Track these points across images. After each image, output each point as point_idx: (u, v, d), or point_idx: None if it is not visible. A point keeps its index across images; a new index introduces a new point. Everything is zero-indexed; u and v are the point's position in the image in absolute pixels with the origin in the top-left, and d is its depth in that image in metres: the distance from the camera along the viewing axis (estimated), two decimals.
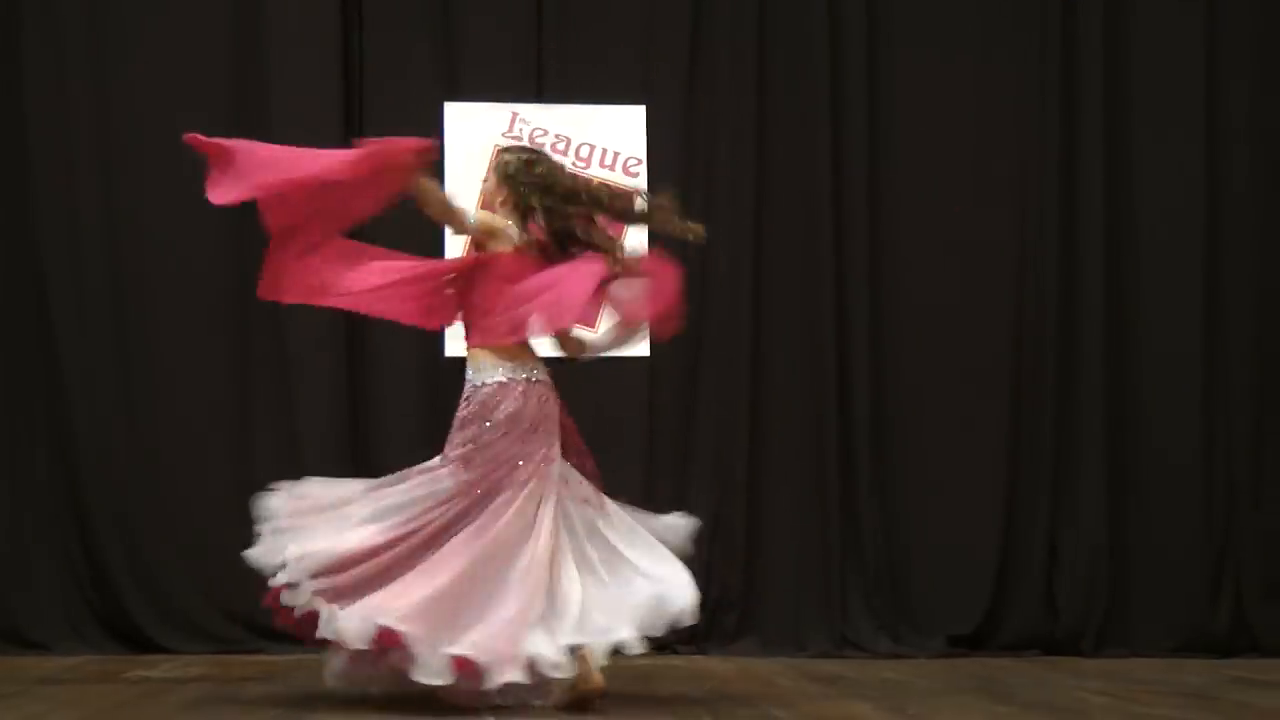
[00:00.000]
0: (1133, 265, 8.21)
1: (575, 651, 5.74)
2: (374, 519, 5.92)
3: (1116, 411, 8.14)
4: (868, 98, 8.20)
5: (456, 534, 5.88)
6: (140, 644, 7.65)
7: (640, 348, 7.91)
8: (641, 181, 8.04)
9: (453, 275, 6.22)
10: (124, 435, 7.85)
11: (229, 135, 7.65)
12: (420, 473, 6.05)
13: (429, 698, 5.86)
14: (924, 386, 8.10)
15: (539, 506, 5.95)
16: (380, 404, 7.94)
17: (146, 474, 7.84)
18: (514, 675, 5.64)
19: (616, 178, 8.05)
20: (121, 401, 7.87)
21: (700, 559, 7.77)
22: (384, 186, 6.04)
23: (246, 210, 7.82)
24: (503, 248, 6.10)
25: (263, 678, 6.81)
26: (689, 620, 5.97)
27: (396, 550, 5.85)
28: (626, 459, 7.93)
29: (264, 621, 7.60)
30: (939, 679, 7.02)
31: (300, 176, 5.95)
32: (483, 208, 6.50)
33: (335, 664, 5.91)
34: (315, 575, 5.76)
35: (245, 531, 7.61)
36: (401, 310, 6.17)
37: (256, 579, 7.37)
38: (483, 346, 6.11)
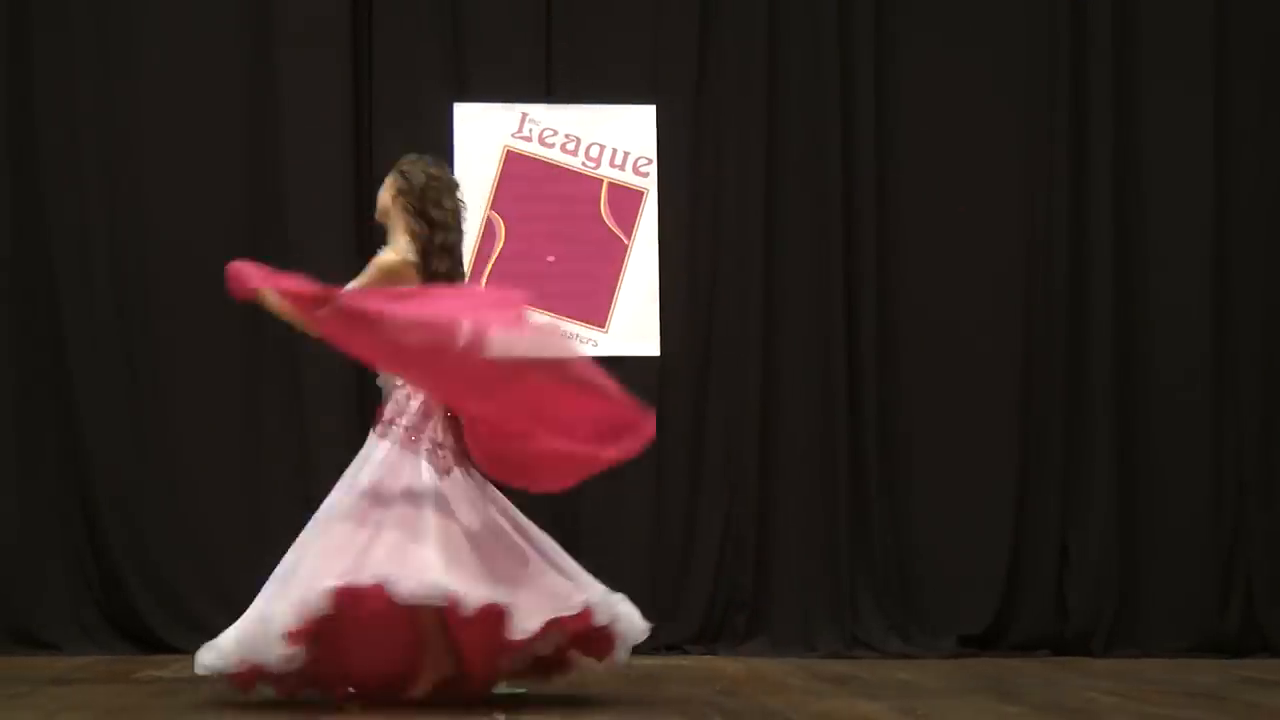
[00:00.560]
0: (1141, 264, 8.22)
1: None
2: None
3: (1126, 412, 8.16)
4: (877, 97, 8.21)
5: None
6: (150, 644, 7.70)
7: (650, 347, 7.99)
8: (651, 181, 8.08)
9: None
10: (133, 436, 7.90)
11: (237, 136, 7.82)
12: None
13: (437, 697, 5.89)
14: (934, 387, 8.13)
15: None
16: None
17: (156, 475, 7.89)
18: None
19: (627, 177, 8.10)
20: (131, 402, 7.92)
21: (711, 559, 7.91)
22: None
23: (256, 209, 7.96)
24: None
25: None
26: None
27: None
28: (635, 460, 7.81)
29: None
30: (949, 679, 7.04)
31: None
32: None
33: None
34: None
35: (255, 532, 7.72)
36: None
37: (267, 578, 7.41)
38: None
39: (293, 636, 5.62)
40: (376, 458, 5.99)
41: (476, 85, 8.06)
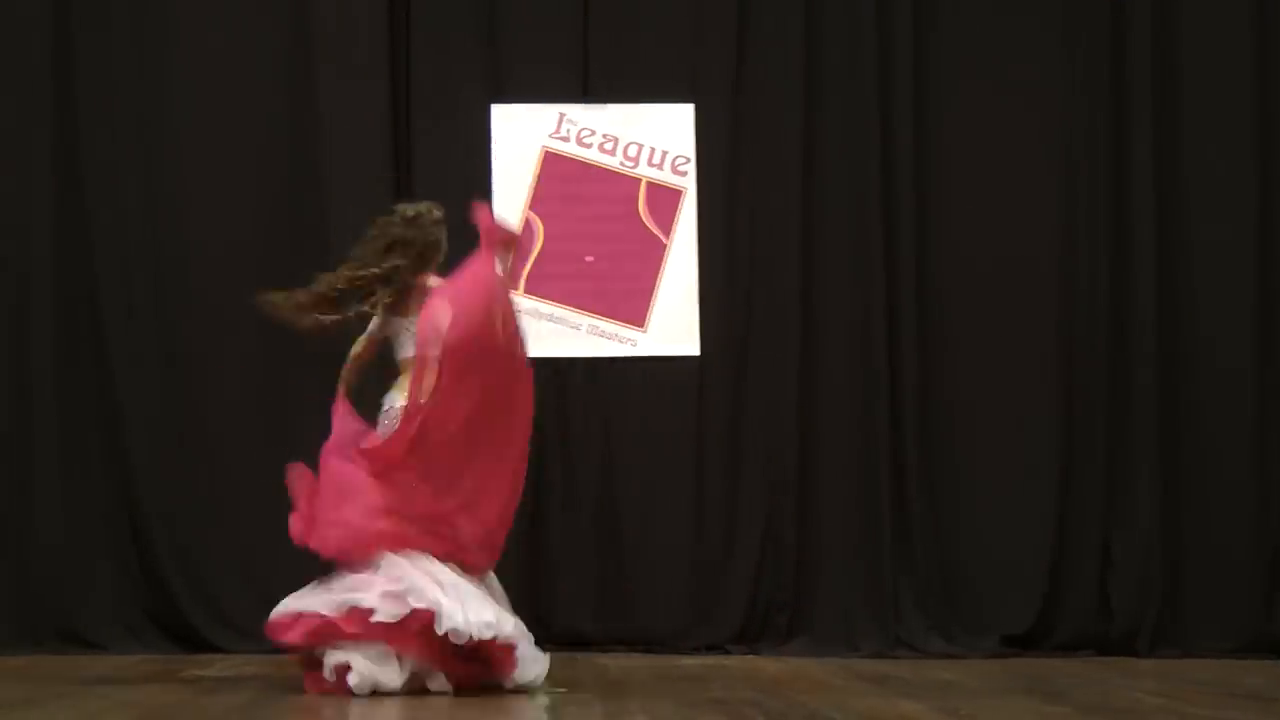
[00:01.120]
0: (1185, 263, 8.21)
1: None
2: None
3: (1170, 409, 8.15)
4: (915, 94, 8.23)
5: None
6: (195, 643, 7.79)
7: (689, 347, 8.02)
8: (690, 180, 8.12)
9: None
10: (176, 436, 7.99)
11: (276, 138, 7.86)
12: None
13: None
14: (975, 385, 8.14)
15: None
16: None
17: (199, 476, 7.98)
18: None
19: (665, 176, 8.14)
20: (174, 404, 8.00)
21: (752, 559, 7.96)
22: None
23: (296, 211, 8.02)
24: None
25: None
26: None
27: None
28: (676, 460, 8.07)
29: None
30: (992, 679, 7.06)
31: None
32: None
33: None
34: None
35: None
36: None
37: (311, 578, 7.49)
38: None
39: None
40: None
41: (514, 86, 8.12)
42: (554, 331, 8.05)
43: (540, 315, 8.03)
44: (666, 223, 8.12)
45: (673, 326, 8.06)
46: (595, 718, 5.79)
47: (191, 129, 8.09)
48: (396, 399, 6.46)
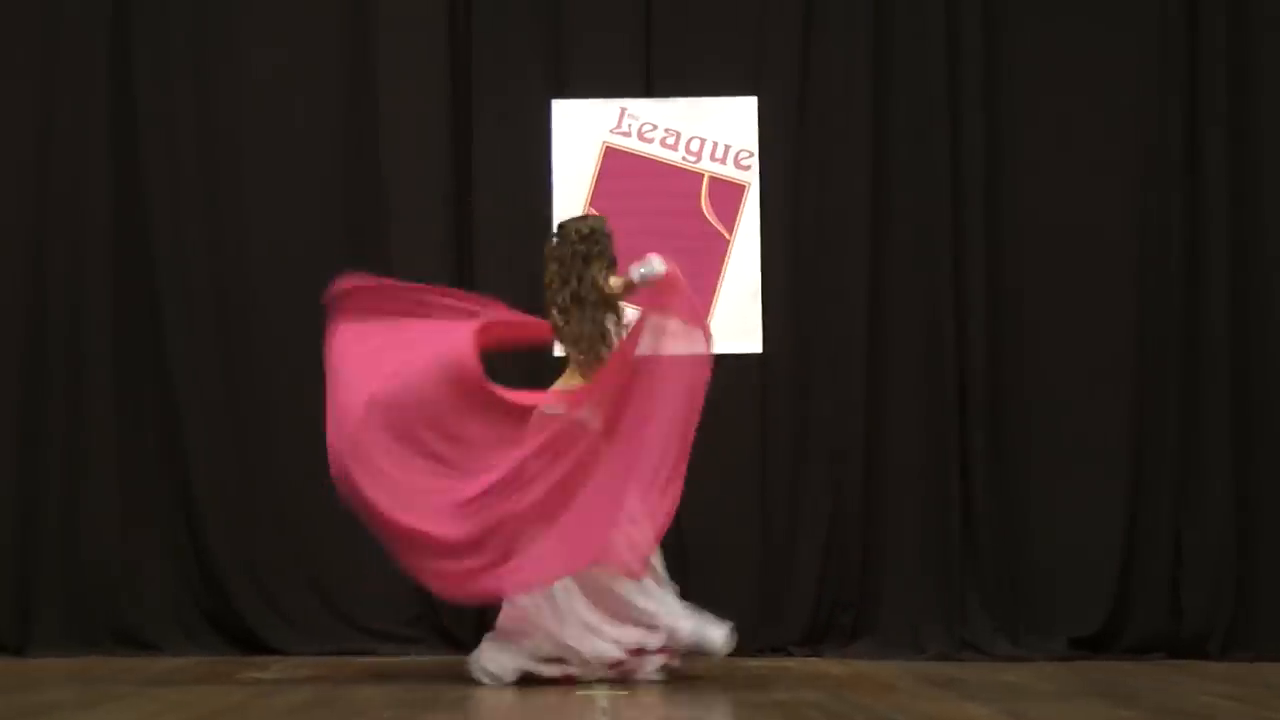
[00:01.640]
0: (1258, 258, 8.12)
1: None
2: None
3: (1243, 406, 8.07)
4: (985, 89, 8.18)
5: None
6: (251, 645, 7.85)
7: (752, 344, 8.02)
8: (753, 175, 8.10)
9: None
10: (233, 434, 8.06)
11: (335, 135, 7.91)
12: None
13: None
14: (1046, 384, 8.08)
15: None
16: None
17: (256, 474, 8.05)
18: None
19: (728, 171, 8.12)
20: (231, 401, 8.08)
21: (816, 560, 7.96)
22: None
23: (355, 209, 8.06)
24: None
25: (374, 679, 6.94)
26: None
27: None
28: (739, 459, 8.04)
29: (374, 622, 7.82)
30: (1059, 682, 7.02)
31: None
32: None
33: None
34: None
35: (354, 533, 7.83)
36: None
37: (366, 580, 7.53)
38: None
39: None
40: None
41: (574, 81, 8.13)
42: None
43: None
44: (729, 218, 8.10)
45: (735, 324, 8.00)
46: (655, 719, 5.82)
47: (250, 127, 8.17)
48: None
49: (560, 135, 8.07)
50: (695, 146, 8.11)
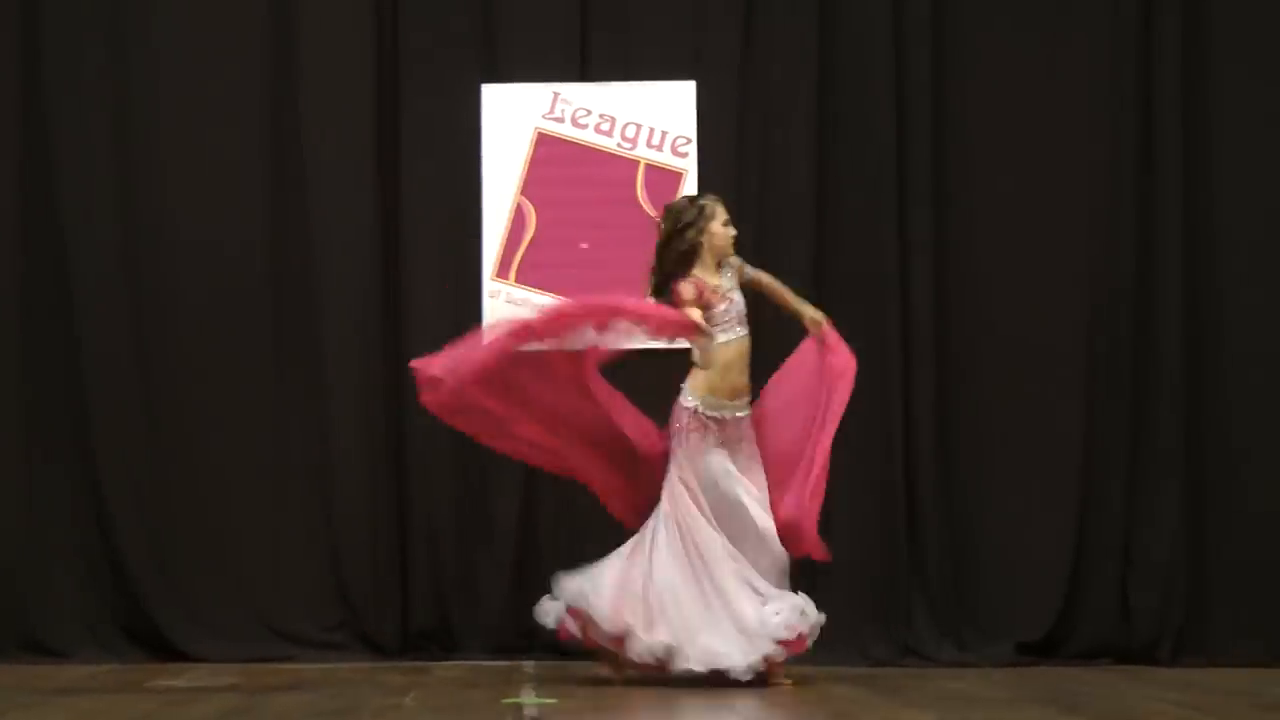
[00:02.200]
0: (1210, 261, 8.13)
1: None
2: None
3: (1195, 407, 8.09)
4: (933, 72, 8.15)
5: None
6: (164, 651, 7.77)
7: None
8: (691, 162, 8.06)
9: None
10: (147, 434, 7.98)
11: (256, 120, 7.81)
12: None
13: None
14: (993, 385, 8.08)
15: None
16: (417, 402, 7.78)
17: (171, 474, 7.97)
18: None
19: (665, 158, 8.08)
20: (144, 399, 8.00)
21: None
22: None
23: (276, 197, 7.97)
24: None
25: (293, 688, 6.87)
26: None
27: None
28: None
29: (294, 628, 7.74)
30: (1006, 688, 7.02)
31: None
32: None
33: None
34: None
35: (276, 533, 7.76)
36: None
37: (287, 584, 7.44)
38: None
39: None
40: None
41: (506, 65, 8.08)
42: None
43: (532, 305, 7.92)
44: None
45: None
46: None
47: (168, 111, 8.08)
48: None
49: (491, 121, 8.03)
50: (631, 133, 8.07)
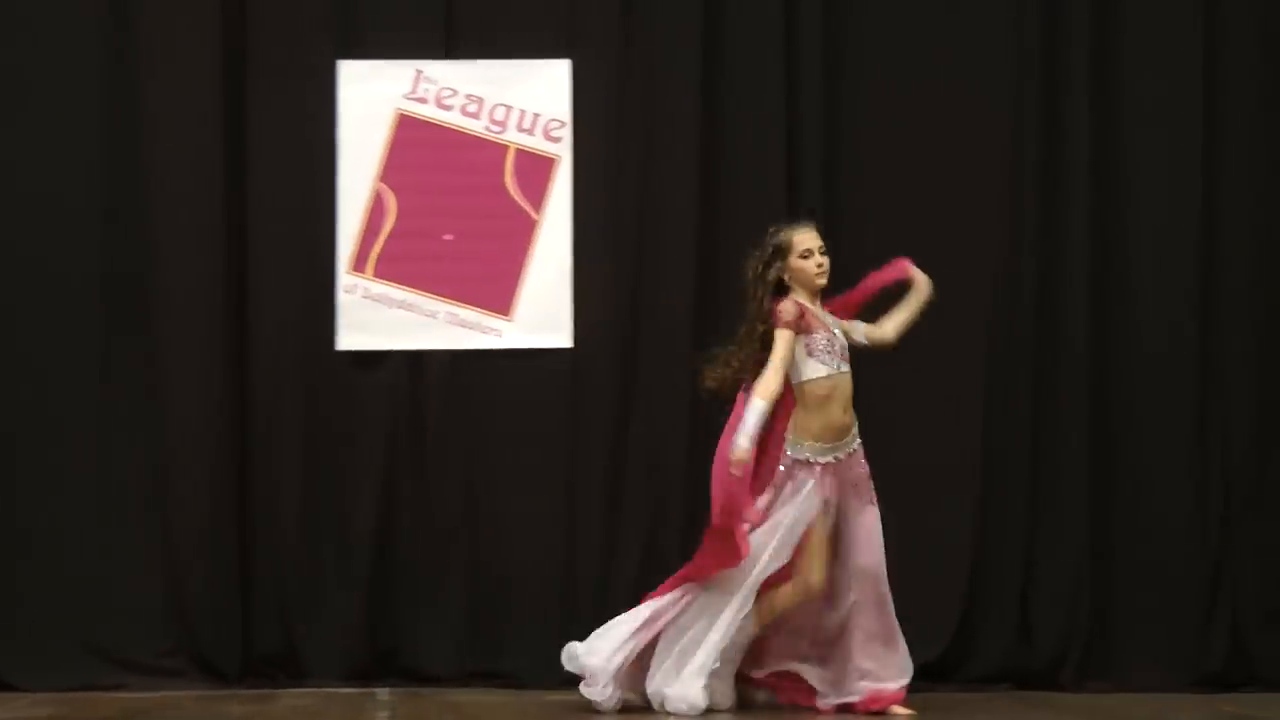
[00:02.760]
0: (1120, 265, 8.01)
1: None
2: None
3: (1101, 423, 7.98)
4: (825, 60, 8.01)
5: None
6: None
7: (561, 339, 7.85)
8: (565, 147, 7.92)
9: None
10: None
11: (91, 106, 7.63)
12: None
13: None
14: (888, 393, 7.86)
15: None
16: (262, 406, 7.79)
17: None
18: None
19: (537, 142, 7.95)
20: None
21: (631, 584, 7.72)
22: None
23: (114, 188, 7.74)
24: None
25: (124, 717, 6.73)
26: None
27: None
28: (544, 471, 7.85)
29: (126, 653, 7.57)
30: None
31: None
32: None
33: None
34: None
35: (104, 549, 7.48)
36: None
37: (117, 604, 7.16)
38: None
39: None
40: None
41: (364, 40, 7.90)
42: (407, 321, 7.85)
43: (392, 302, 7.84)
44: (537, 196, 7.93)
45: (542, 315, 7.87)
46: None
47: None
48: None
49: (348, 100, 7.87)
50: (500, 115, 7.95)
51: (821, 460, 6.80)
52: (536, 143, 7.89)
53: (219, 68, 7.79)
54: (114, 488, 7.70)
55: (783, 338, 6.79)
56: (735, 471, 6.68)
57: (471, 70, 7.86)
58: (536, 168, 7.89)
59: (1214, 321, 8.03)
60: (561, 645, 7.48)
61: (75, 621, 7.59)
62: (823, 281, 6.94)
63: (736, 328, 6.94)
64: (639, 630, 6.78)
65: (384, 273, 7.78)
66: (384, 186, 7.82)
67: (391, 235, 7.81)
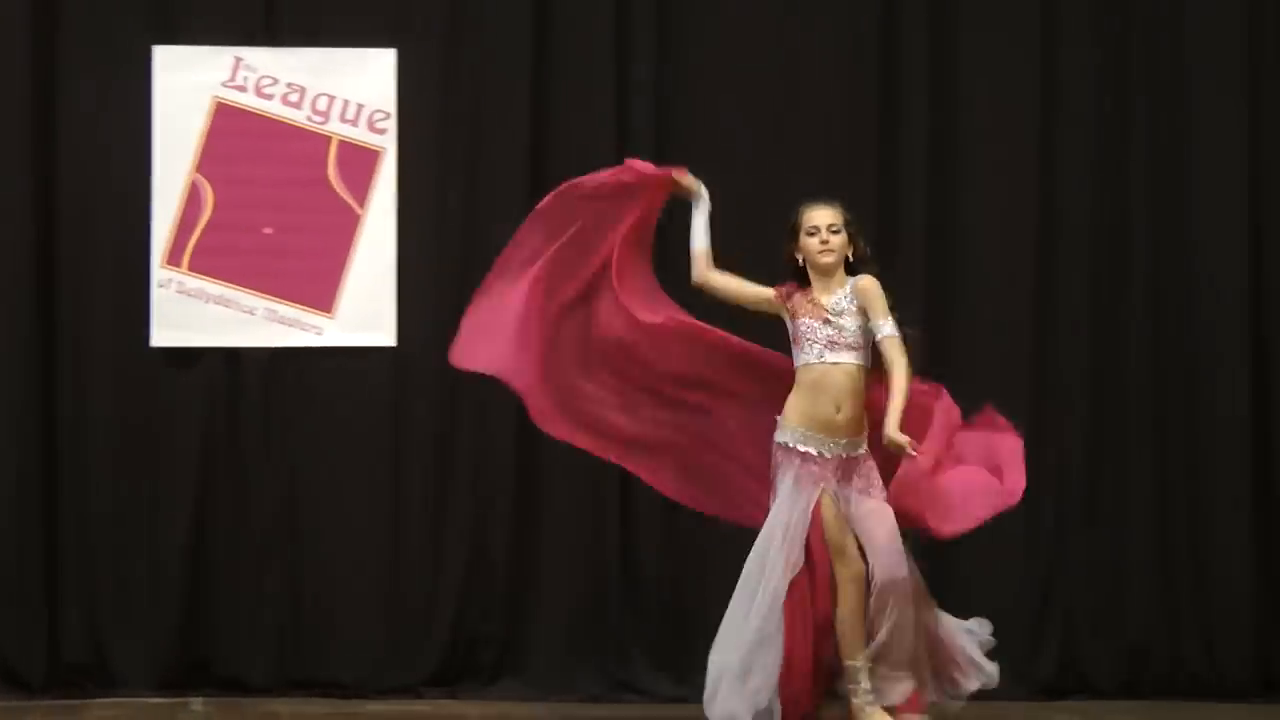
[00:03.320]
0: (960, 263, 8.09)
1: None
2: None
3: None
4: (659, 37, 8.04)
5: None
6: None
7: (384, 337, 7.82)
8: (391, 139, 7.89)
9: None
10: None
11: None
12: None
13: None
14: None
15: None
16: (71, 405, 7.70)
17: None
18: None
19: (361, 134, 7.91)
20: None
21: (455, 588, 7.77)
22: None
23: None
24: None
25: None
26: None
27: None
28: (367, 473, 7.82)
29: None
30: None
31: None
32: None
33: None
34: None
35: None
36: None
37: None
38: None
39: None
40: None
41: (180, 24, 7.83)
42: (224, 317, 7.79)
43: (208, 297, 7.78)
44: (361, 189, 7.89)
45: (366, 313, 7.83)
46: None
47: None
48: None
49: (163, 87, 7.80)
50: (323, 105, 7.90)
51: (801, 448, 6.52)
52: (360, 134, 7.86)
53: (26, 51, 7.68)
54: None
55: (760, 287, 6.69)
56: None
57: (293, 58, 7.82)
58: (361, 159, 7.86)
59: (1051, 330, 8.10)
60: (384, 651, 7.53)
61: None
62: (826, 260, 6.62)
63: None
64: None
65: (200, 267, 7.72)
66: (200, 177, 7.76)
67: (208, 228, 7.76)
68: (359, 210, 7.83)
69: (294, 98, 7.83)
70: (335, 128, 7.85)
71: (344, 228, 7.81)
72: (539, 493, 7.89)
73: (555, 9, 8.00)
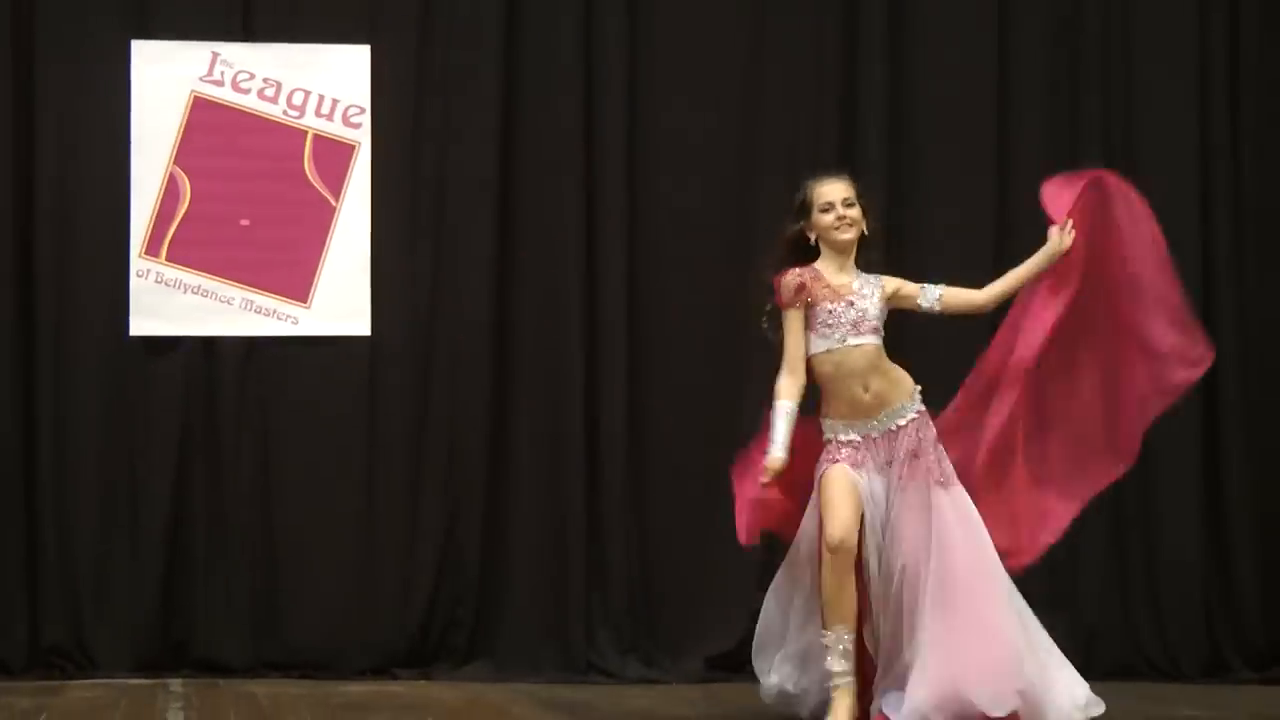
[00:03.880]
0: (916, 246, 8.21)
1: None
2: None
3: None
4: (630, 37, 8.22)
5: None
6: None
7: (360, 327, 7.97)
8: (365, 133, 8.04)
9: None
10: None
11: None
12: None
13: None
14: (684, 379, 8.11)
15: None
16: (51, 393, 7.81)
17: None
18: None
19: (336, 128, 8.07)
20: None
21: (429, 572, 7.94)
22: None
23: None
24: None
25: None
26: None
27: None
28: (342, 458, 7.96)
29: None
30: (693, 707, 7.10)
31: None
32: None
33: None
34: None
35: None
36: None
37: None
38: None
39: None
40: None
41: (159, 19, 7.96)
42: (201, 307, 7.92)
43: (186, 287, 7.92)
44: (336, 182, 8.04)
45: (341, 303, 7.97)
46: None
47: None
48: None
49: (141, 82, 7.91)
50: (299, 100, 8.05)
51: (844, 438, 6.29)
52: (335, 128, 8.00)
53: (6, 45, 7.78)
54: None
55: (788, 321, 6.33)
56: (764, 479, 6.22)
57: (269, 53, 7.95)
58: (336, 154, 7.99)
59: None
60: (359, 634, 7.73)
61: None
62: (844, 236, 6.33)
63: None
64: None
65: (178, 257, 7.84)
66: (178, 170, 7.88)
67: (185, 219, 7.87)
68: (334, 202, 7.97)
69: (270, 92, 7.96)
70: (311, 122, 7.98)
71: (319, 219, 7.96)
72: (509, 480, 8.03)
73: (526, 6, 8.14)
